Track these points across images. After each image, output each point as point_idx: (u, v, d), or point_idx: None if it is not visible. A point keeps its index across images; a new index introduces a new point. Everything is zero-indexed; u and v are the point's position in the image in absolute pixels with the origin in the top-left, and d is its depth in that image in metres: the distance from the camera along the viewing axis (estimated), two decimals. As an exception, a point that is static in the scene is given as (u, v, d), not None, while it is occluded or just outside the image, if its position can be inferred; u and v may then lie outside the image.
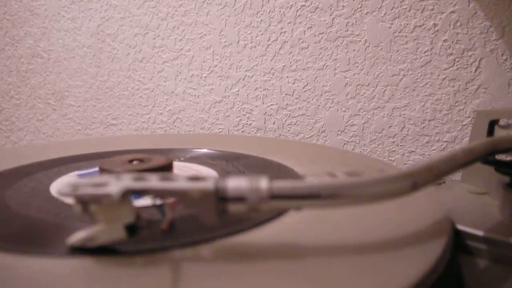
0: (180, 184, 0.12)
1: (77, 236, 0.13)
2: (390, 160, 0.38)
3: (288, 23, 0.39)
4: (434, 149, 0.37)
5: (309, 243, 0.14)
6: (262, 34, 0.40)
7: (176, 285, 0.12)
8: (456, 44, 0.35)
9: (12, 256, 0.13)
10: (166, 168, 0.21)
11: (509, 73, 0.34)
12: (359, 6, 0.37)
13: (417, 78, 0.36)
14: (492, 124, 0.24)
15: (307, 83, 0.39)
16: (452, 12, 0.35)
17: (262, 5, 0.39)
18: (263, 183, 0.13)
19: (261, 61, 0.40)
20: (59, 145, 0.33)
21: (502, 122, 0.24)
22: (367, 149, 0.39)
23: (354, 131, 0.39)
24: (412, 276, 0.12)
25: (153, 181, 0.13)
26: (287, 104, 0.40)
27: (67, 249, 0.13)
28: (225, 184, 0.13)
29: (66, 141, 0.35)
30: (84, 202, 0.12)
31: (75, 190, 0.12)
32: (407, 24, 0.36)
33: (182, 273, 0.12)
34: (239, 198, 0.12)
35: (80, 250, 0.13)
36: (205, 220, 0.12)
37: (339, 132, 0.39)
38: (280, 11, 0.39)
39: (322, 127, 0.40)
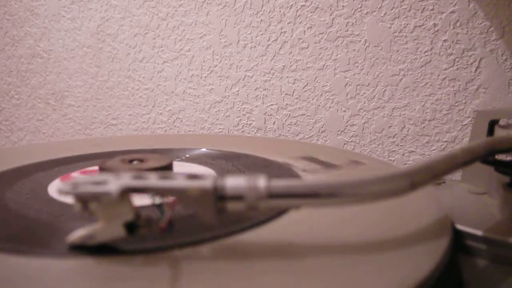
0: (179, 182, 0.12)
1: (77, 234, 0.13)
2: (390, 160, 0.38)
3: (288, 23, 0.39)
4: (434, 149, 0.37)
5: (308, 243, 0.14)
6: (262, 34, 0.40)
7: (176, 285, 0.11)
8: (456, 44, 0.35)
9: (12, 256, 0.13)
10: (166, 168, 0.21)
11: (509, 73, 0.34)
12: (359, 6, 0.37)
13: (417, 78, 0.36)
14: (492, 124, 0.24)
15: (307, 83, 0.39)
16: (452, 12, 0.35)
17: (262, 5, 0.39)
18: (261, 182, 0.13)
19: (261, 61, 0.40)
20: (59, 145, 0.33)
21: (502, 122, 0.24)
22: (367, 149, 0.39)
23: (354, 131, 0.39)
24: (412, 276, 0.12)
25: (152, 179, 0.13)
26: (287, 104, 0.40)
27: (67, 249, 0.13)
28: (223, 183, 0.13)
29: (66, 141, 0.35)
30: (84, 200, 0.12)
31: (75, 188, 0.12)
32: (407, 24, 0.36)
33: (181, 273, 0.12)
34: (237, 197, 0.12)
35: (80, 248, 0.13)
36: (203, 218, 0.12)
37: (339, 132, 0.39)
38: (280, 11, 0.39)
39: (322, 127, 0.40)
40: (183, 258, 0.13)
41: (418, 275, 0.12)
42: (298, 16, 0.39)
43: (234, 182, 0.13)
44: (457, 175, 0.29)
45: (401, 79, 0.37)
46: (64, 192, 0.12)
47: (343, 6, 0.37)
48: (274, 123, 0.41)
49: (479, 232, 0.17)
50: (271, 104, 0.41)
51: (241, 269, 0.12)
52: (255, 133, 0.42)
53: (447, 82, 0.36)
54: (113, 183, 0.12)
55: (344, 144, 0.39)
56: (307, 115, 0.40)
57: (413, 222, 0.16)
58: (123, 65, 0.44)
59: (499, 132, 0.23)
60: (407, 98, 0.37)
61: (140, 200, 0.17)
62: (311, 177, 0.23)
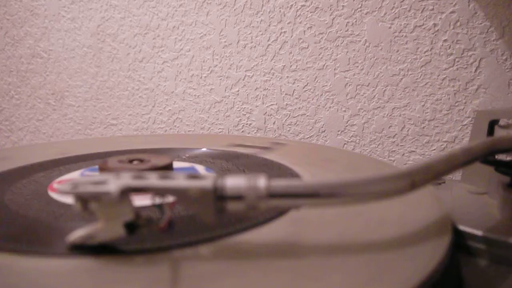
0: (179, 182, 0.12)
1: (77, 234, 0.13)
2: (390, 160, 0.38)
3: (288, 23, 0.39)
4: (434, 149, 0.37)
5: (308, 243, 0.14)
6: (262, 34, 0.40)
7: (176, 284, 0.11)
8: (456, 44, 0.35)
9: (12, 256, 0.13)
10: (166, 168, 0.21)
11: (509, 73, 0.34)
12: (359, 6, 0.37)
13: (417, 78, 0.36)
14: (492, 124, 0.24)
15: (307, 83, 0.39)
16: (452, 12, 0.35)
17: (262, 5, 0.39)
18: (261, 181, 0.13)
19: (261, 61, 0.40)
20: (59, 145, 0.33)
21: (502, 122, 0.24)
22: (367, 149, 0.39)
23: (354, 131, 0.39)
24: (412, 276, 0.12)
25: (152, 179, 0.13)
26: (287, 104, 0.40)
27: (67, 249, 0.13)
28: (223, 183, 0.13)
29: (66, 141, 0.35)
30: (84, 200, 0.12)
31: (75, 188, 0.12)
32: (407, 24, 0.36)
33: (181, 272, 0.12)
34: (237, 197, 0.12)
35: (80, 248, 0.13)
36: (203, 218, 0.12)
37: (339, 132, 0.39)
38: (280, 11, 0.39)
39: (322, 127, 0.40)
40: (183, 258, 0.13)
41: (418, 275, 0.12)
42: (298, 16, 0.39)
43: (234, 182, 0.13)
44: (457, 175, 0.29)
45: (401, 79, 0.37)
46: (64, 192, 0.12)
47: (343, 6, 0.37)
48: (274, 123, 0.41)
49: (479, 232, 0.17)
50: (271, 104, 0.41)
51: (241, 269, 0.12)
52: (255, 133, 0.42)
53: (447, 82, 0.36)
54: (113, 183, 0.12)
55: (344, 144, 0.39)
56: (307, 115, 0.40)
57: (413, 222, 0.16)
58: (123, 65, 0.44)
59: (499, 132, 0.23)
60: (407, 98, 0.37)
61: (140, 200, 0.17)
62: (311, 177, 0.23)
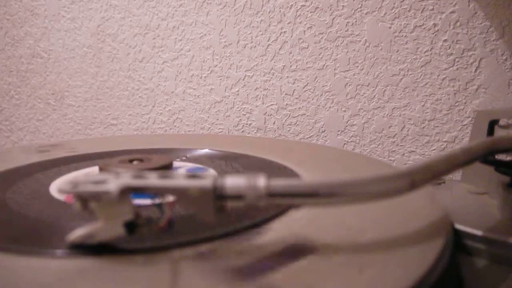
0: (178, 182, 0.12)
1: (77, 233, 0.13)
2: (390, 160, 0.38)
3: (288, 23, 0.39)
4: (434, 149, 0.37)
5: (307, 243, 0.14)
6: (262, 34, 0.40)
7: (175, 284, 0.12)
8: (456, 44, 0.35)
9: (12, 256, 0.13)
10: (166, 168, 0.21)
11: (509, 73, 0.34)
12: (359, 6, 0.37)
13: (417, 78, 0.36)
14: (492, 124, 0.24)
15: (307, 83, 0.39)
16: (452, 12, 0.35)
17: (262, 5, 0.39)
18: (261, 181, 0.13)
19: (261, 61, 0.40)
20: (59, 145, 0.33)
21: (502, 122, 0.24)
22: (367, 149, 0.39)
23: (354, 131, 0.39)
24: (411, 276, 0.12)
25: (152, 179, 0.13)
26: (287, 104, 0.40)
27: (67, 249, 0.13)
28: (223, 182, 0.13)
29: (66, 141, 0.35)
30: (84, 199, 0.12)
31: (75, 187, 0.12)
32: (407, 24, 0.36)
33: (181, 272, 0.12)
34: (237, 196, 0.12)
35: (80, 247, 0.13)
36: (203, 218, 0.12)
37: (339, 132, 0.39)
38: (280, 11, 0.39)
39: (322, 127, 0.40)
40: (183, 258, 0.13)
41: (418, 275, 0.12)
42: (298, 16, 0.39)
43: (233, 182, 0.13)
44: (457, 175, 0.29)
45: (401, 79, 0.37)
46: (64, 191, 0.12)
47: (343, 6, 0.37)
48: (274, 123, 0.41)
49: (478, 232, 0.17)
50: (271, 104, 0.41)
51: (241, 269, 0.12)
52: (255, 133, 0.42)
53: (447, 82, 0.36)
54: (113, 182, 0.12)
55: (344, 144, 0.39)
56: (307, 115, 0.40)
57: (412, 222, 0.16)
58: (123, 65, 0.44)
59: (499, 132, 0.23)
60: (407, 98, 0.37)
61: (140, 200, 0.17)
62: (310, 176, 0.23)
